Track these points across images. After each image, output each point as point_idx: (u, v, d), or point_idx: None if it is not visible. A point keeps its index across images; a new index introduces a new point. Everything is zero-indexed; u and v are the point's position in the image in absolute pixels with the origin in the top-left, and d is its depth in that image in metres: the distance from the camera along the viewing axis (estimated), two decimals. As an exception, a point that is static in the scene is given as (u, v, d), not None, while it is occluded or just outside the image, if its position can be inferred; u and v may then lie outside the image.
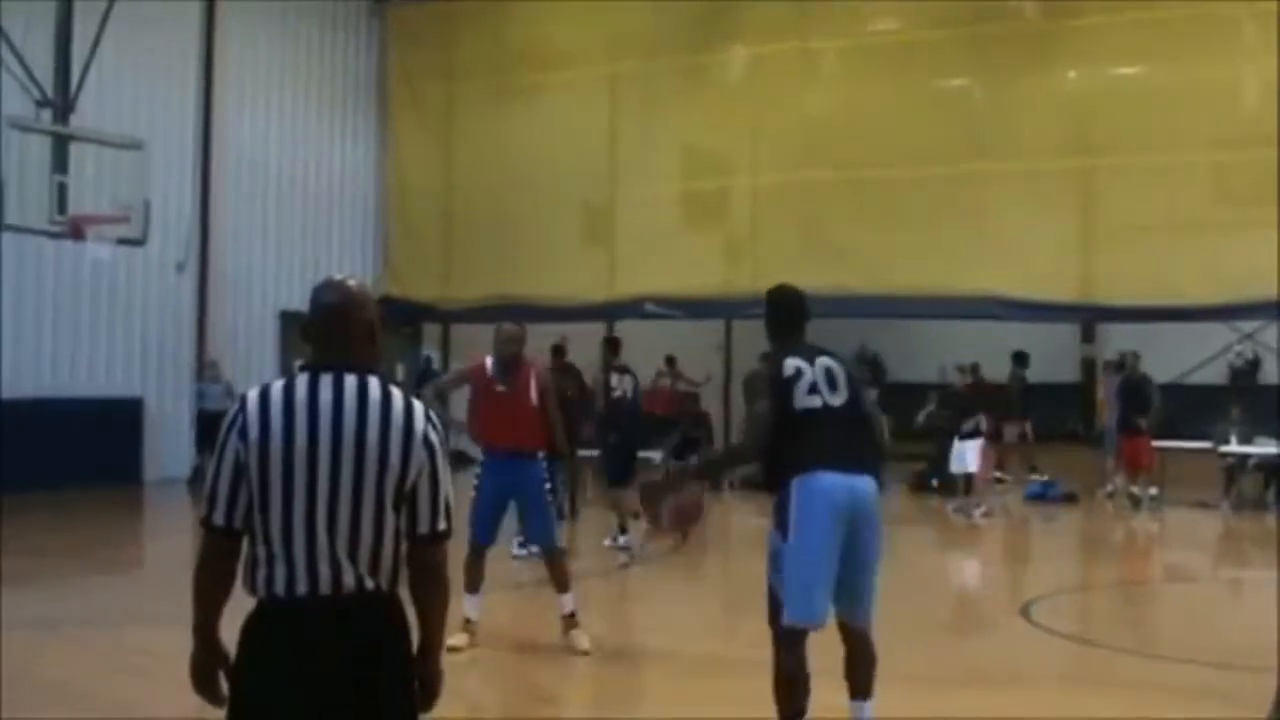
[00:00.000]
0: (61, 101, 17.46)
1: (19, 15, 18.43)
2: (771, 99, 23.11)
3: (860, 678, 6.76)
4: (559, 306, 24.56)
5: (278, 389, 3.95)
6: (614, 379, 16.70)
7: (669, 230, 24.05)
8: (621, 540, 15.61)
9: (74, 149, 17.14)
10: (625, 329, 27.84)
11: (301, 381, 3.95)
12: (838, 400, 6.70)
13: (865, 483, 6.59)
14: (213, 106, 24.21)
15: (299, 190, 25.90)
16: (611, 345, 17.40)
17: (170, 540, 17.60)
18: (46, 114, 17.53)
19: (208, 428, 21.46)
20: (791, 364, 6.78)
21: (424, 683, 4.05)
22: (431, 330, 28.58)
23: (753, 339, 27.61)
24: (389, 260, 27.33)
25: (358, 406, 3.90)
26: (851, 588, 6.61)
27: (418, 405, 4.00)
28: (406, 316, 26.48)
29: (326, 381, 3.93)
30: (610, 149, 24.81)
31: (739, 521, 20.11)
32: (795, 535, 6.49)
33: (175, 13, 23.20)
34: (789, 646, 6.63)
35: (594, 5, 24.54)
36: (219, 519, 3.92)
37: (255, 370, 22.67)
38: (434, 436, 3.99)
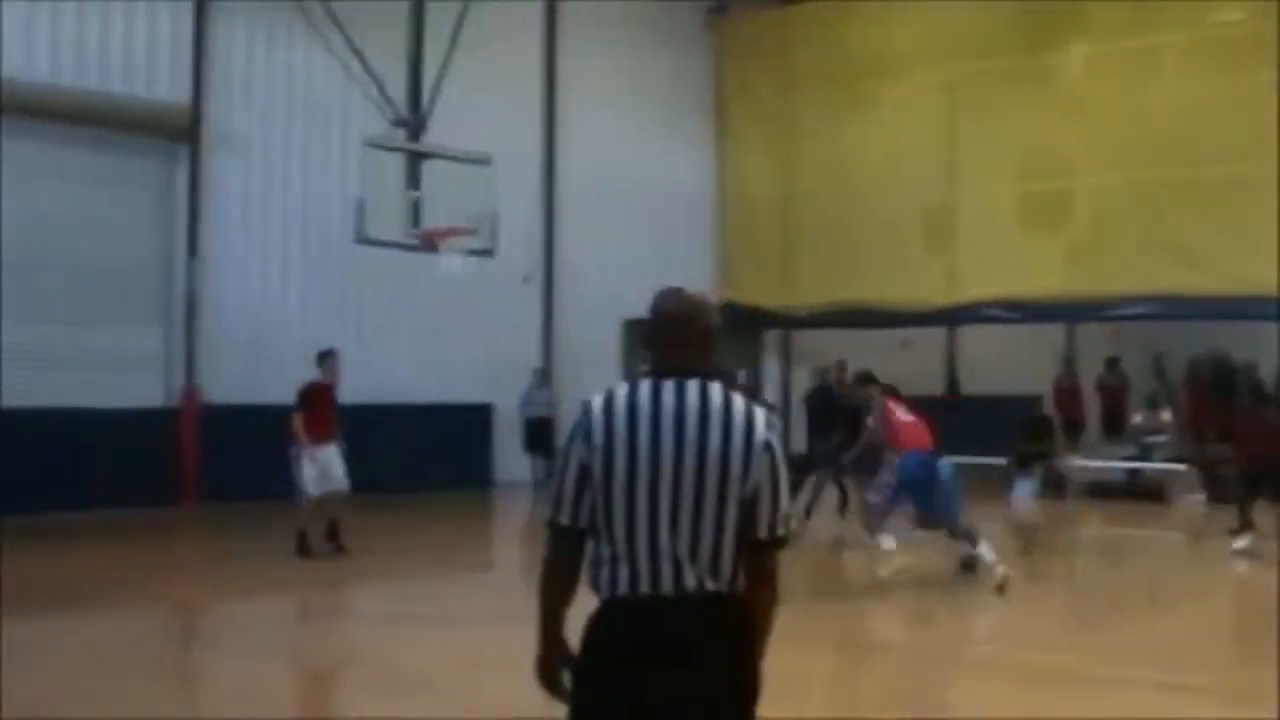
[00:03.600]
0: (414, 121, 18.18)
1: (374, 42, 19.33)
2: (1112, 97, 22.33)
3: None
4: (900, 312, 24.43)
5: (622, 394, 4.02)
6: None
7: (1009, 233, 23.56)
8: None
9: (426, 165, 17.83)
10: (966, 333, 27.61)
11: (644, 387, 4.01)
12: None
13: None
14: (555, 121, 24.94)
15: (639, 200, 26.29)
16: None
17: (517, 542, 18.15)
18: (401, 133, 18.27)
19: (533, 433, 22.10)
20: None
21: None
22: (772, 337, 28.71)
23: (1096, 343, 26.98)
24: (728, 268, 27.52)
25: (699, 412, 3.94)
26: None
27: (759, 412, 4.02)
28: (747, 323, 26.63)
29: (669, 388, 3.98)
30: (948, 152, 24.49)
31: (1087, 532, 19.68)
32: None
33: (518, 33, 24.02)
34: None
35: (929, 9, 24.20)
36: (564, 519, 4.01)
37: (598, 377, 23.10)
38: (775, 444, 4.00)
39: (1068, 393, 26.72)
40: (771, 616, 4.08)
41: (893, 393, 14.83)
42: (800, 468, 16.86)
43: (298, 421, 14.90)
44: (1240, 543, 15.69)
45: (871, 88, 25.23)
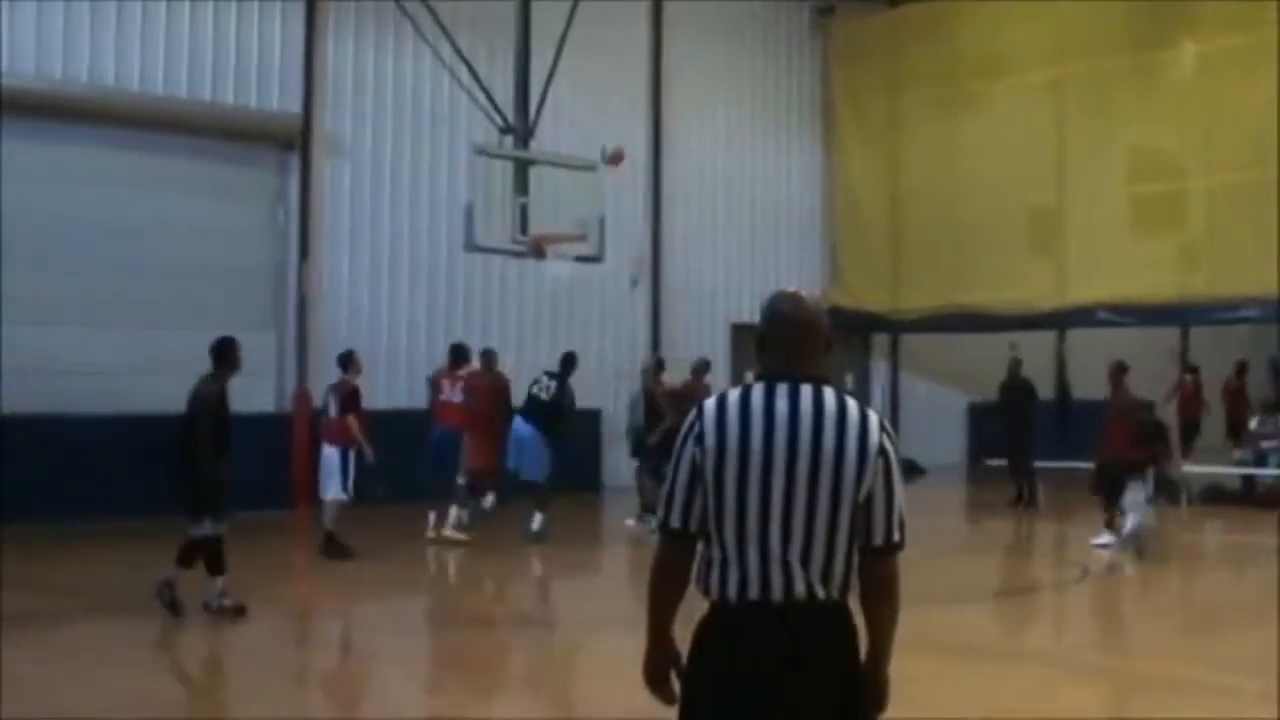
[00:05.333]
0: (522, 127, 18.26)
1: (482, 50, 19.51)
2: (1225, 95, 21.94)
3: None
4: (1009, 315, 24.22)
5: (734, 397, 4.01)
6: None
7: (1119, 235, 23.31)
8: None
9: (533, 172, 17.92)
10: (1076, 337, 27.26)
11: (757, 391, 4.00)
12: None
13: None
14: (662, 126, 24.98)
15: (746, 204, 26.34)
16: None
17: (624, 547, 18.18)
18: (509, 140, 18.37)
19: (641, 438, 22.06)
20: None
21: (871, 692, 4.06)
22: (880, 341, 28.53)
23: (1211, 346, 26.59)
24: (837, 271, 27.45)
25: (813, 417, 3.92)
26: None
27: (873, 416, 3.99)
28: (856, 327, 26.52)
29: (782, 391, 3.97)
30: (1057, 154, 24.30)
31: (1199, 538, 19.37)
32: None
33: (625, 38, 24.11)
34: None
35: (1037, 9, 23.97)
36: (675, 522, 4.01)
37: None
38: (889, 448, 3.96)
39: (1182, 396, 26.29)
40: (893, 621, 4.06)
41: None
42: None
43: (354, 424, 15.15)
44: None
45: (980, 88, 25.09)
